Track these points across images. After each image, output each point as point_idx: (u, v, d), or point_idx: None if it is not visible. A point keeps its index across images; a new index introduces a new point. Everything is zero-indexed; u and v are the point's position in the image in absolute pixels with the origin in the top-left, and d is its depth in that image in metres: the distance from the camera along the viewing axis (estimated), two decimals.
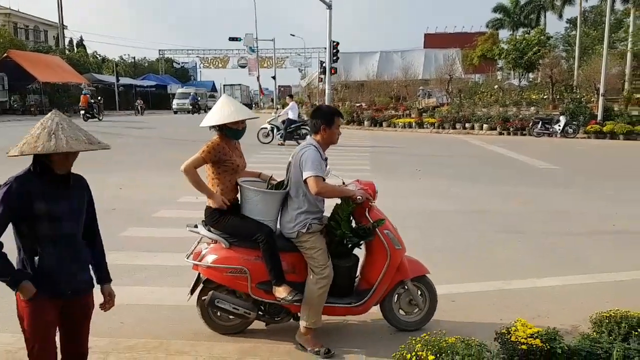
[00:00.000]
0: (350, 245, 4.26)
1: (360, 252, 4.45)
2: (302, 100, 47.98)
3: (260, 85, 60.25)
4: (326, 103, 34.04)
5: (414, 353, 2.94)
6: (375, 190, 4.37)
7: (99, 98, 38.16)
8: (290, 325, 4.45)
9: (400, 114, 31.15)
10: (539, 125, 24.85)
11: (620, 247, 7.17)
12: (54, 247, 2.60)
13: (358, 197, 4.08)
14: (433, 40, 62.39)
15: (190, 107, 51.15)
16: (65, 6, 75.64)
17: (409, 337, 3.16)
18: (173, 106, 53.49)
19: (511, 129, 25.87)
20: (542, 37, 40.38)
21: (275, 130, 19.62)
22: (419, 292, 4.48)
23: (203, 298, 4.24)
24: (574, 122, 24.65)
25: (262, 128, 19.94)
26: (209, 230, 4.23)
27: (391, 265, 4.22)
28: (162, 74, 69.74)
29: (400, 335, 4.21)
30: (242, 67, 72.48)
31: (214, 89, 76.82)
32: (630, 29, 33.22)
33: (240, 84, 69.98)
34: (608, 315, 3.64)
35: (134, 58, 69.25)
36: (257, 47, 52.28)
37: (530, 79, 47.34)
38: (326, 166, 4.26)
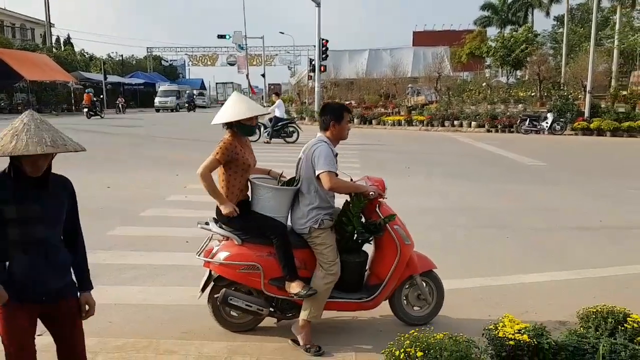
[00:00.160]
0: (360, 241, 4.32)
1: (367, 248, 4.49)
2: (292, 98, 47.93)
3: (249, 83, 60.15)
4: (315, 101, 34.10)
5: (402, 349, 2.95)
6: (385, 186, 4.43)
7: (101, 96, 40.75)
8: (281, 324, 4.46)
9: (389, 112, 31.21)
10: (527, 123, 25.00)
11: (607, 243, 7.24)
12: (24, 253, 2.50)
13: (370, 193, 4.14)
14: (422, 38, 62.60)
15: (186, 105, 52.79)
16: (52, 4, 74.88)
17: (397, 334, 3.17)
18: (155, 104, 52.61)
19: (499, 127, 26.00)
20: (529, 34, 40.58)
21: (262, 129, 19.55)
22: (427, 287, 4.55)
23: (215, 296, 4.23)
24: (562, 119, 24.84)
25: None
26: (221, 227, 4.23)
27: (401, 261, 4.28)
28: (150, 72, 69.28)
29: (389, 332, 4.21)
30: (231, 64, 72.22)
31: (202, 86, 76.60)
32: (617, 27, 33.45)
33: (232, 82, 69.94)
34: (595, 310, 3.67)
35: (122, 56, 68.70)
36: (246, 44, 52.05)
37: (518, 77, 47.58)
38: (336, 162, 4.29)
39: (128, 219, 8.11)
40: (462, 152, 18.29)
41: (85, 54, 60.89)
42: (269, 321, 4.48)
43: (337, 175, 4.14)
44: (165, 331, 4.41)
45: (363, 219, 4.29)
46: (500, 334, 3.16)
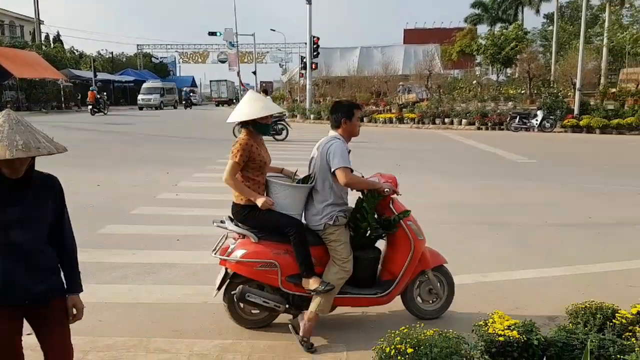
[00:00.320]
0: (373, 237, 4.38)
1: (379, 244, 4.54)
2: (284, 95, 47.85)
3: (240, 80, 59.91)
4: (307, 98, 34.09)
5: (393, 346, 2.96)
6: (397, 183, 4.48)
7: (104, 93, 42.56)
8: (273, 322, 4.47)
9: (380, 110, 31.27)
10: (517, 120, 25.11)
11: (596, 239, 7.29)
12: (2, 256, 2.39)
13: (385, 190, 4.20)
14: (412, 36, 62.67)
15: (183, 102, 54.72)
16: (42, 1, 74.22)
17: (388, 330, 3.18)
18: (138, 101, 51.46)
19: (489, 124, 26.08)
20: (519, 32, 40.73)
21: None
22: (438, 282, 4.62)
23: (232, 292, 4.24)
24: (551, 117, 24.96)
25: (237, 123, 19.79)
26: (237, 226, 4.26)
27: (414, 256, 4.37)
28: (140, 69, 68.88)
29: (380, 328, 4.23)
30: (222, 62, 71.97)
31: (193, 84, 76.21)
32: (606, 24, 33.67)
33: (226, 80, 69.61)
34: (584, 306, 3.70)
35: (112, 53, 68.24)
36: (237, 42, 51.87)
37: (508, 74, 47.74)
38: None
39: (118, 217, 8.06)
40: (453, 149, 18.36)
41: (75, 51, 60.45)
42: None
43: (352, 171, 4.20)
44: (155, 329, 4.40)
45: (376, 216, 4.36)
46: (490, 330, 3.17)
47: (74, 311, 2.67)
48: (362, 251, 4.33)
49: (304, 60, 35.20)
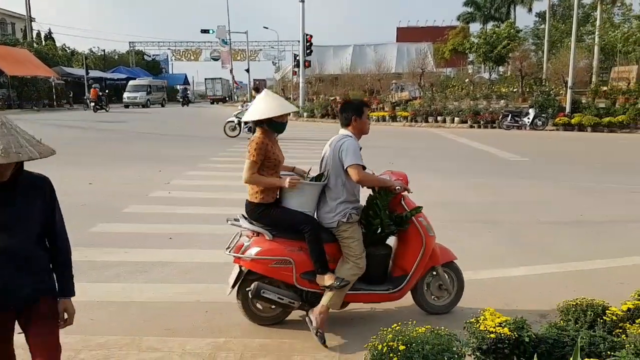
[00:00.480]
0: (385, 233, 4.44)
1: (389, 241, 4.59)
2: (277, 93, 47.73)
3: (233, 78, 59.81)
4: (300, 96, 34.07)
5: (385, 343, 2.97)
6: (408, 180, 4.55)
7: (107, 91, 44.22)
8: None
9: (373, 108, 31.23)
10: (509, 118, 25.20)
11: (587, 237, 7.33)
12: None
13: (397, 187, 4.28)
14: (405, 34, 62.76)
15: (181, 99, 56.07)
16: None
17: (380, 328, 3.19)
18: (123, 99, 50.74)
19: (482, 122, 26.15)
20: (511, 30, 40.86)
21: (243, 124, 19.43)
22: (448, 277, 4.68)
23: (247, 289, 4.26)
24: (543, 115, 25.06)
25: (228, 121, 19.76)
26: (251, 224, 4.29)
27: (426, 252, 4.44)
28: (132, 67, 68.54)
29: (372, 325, 4.25)
30: (215, 60, 71.84)
31: (186, 81, 75.92)
32: (598, 23, 33.84)
33: (221, 78, 69.46)
34: (575, 303, 3.72)
35: (104, 51, 67.87)
36: (229, 39, 51.85)
37: (501, 73, 47.94)
38: None
39: (110, 215, 8.04)
40: (445, 148, 18.40)
41: (66, 48, 60.04)
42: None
43: (364, 168, 4.25)
44: (148, 328, 4.39)
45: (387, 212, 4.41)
46: (482, 327, 3.19)
47: (65, 315, 2.62)
48: (373, 248, 4.40)
49: (297, 58, 35.20)
